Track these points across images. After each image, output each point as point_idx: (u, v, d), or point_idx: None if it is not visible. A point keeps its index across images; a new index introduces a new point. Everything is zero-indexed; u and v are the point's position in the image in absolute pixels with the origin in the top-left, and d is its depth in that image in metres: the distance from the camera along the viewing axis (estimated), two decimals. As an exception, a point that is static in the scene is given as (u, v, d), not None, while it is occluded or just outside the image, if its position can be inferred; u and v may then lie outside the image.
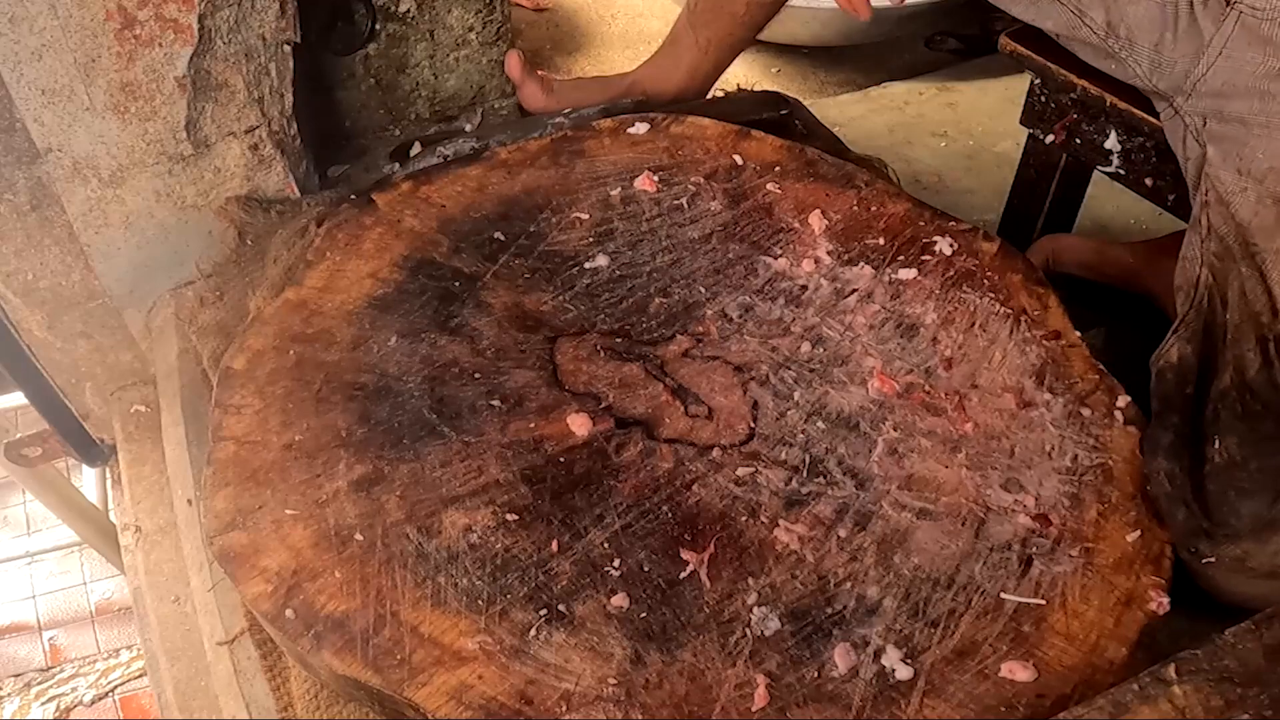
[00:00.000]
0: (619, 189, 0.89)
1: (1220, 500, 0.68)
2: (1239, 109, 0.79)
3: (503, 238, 0.85)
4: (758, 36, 1.10)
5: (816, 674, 0.60)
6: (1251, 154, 0.78)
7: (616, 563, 0.64)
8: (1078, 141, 1.09)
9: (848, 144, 1.03)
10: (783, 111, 1.04)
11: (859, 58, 1.82)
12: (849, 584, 0.64)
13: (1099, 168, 1.09)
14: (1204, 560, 0.66)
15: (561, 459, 0.70)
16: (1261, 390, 0.71)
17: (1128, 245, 1.04)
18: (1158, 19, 0.83)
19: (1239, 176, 0.78)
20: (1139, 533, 0.68)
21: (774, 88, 1.09)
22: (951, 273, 0.84)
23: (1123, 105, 1.00)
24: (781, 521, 0.67)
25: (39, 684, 1.67)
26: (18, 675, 1.68)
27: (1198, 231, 0.80)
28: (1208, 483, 0.69)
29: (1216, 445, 0.70)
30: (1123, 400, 0.76)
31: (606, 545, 0.65)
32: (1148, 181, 1.04)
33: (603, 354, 0.77)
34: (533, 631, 0.60)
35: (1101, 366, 0.78)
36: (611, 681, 0.59)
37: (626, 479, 0.69)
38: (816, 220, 0.87)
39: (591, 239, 0.86)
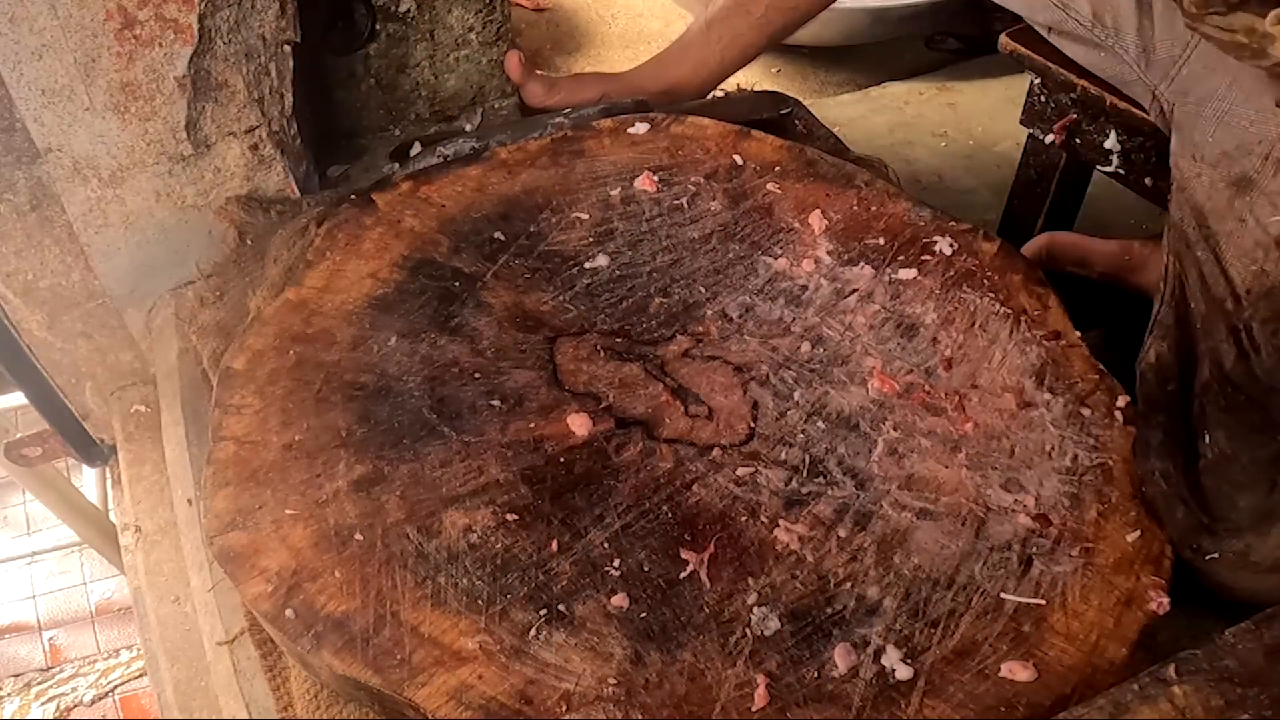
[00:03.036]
0: (619, 189, 0.89)
1: (1217, 495, 0.68)
2: (1204, 91, 0.78)
3: (503, 238, 0.85)
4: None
5: (816, 674, 0.60)
6: (1204, 138, 0.77)
7: (616, 563, 0.64)
8: (1078, 141, 1.09)
9: (848, 144, 1.03)
10: (783, 111, 1.04)
11: (859, 58, 1.82)
12: (849, 584, 0.65)
13: (1099, 168, 1.09)
14: (1207, 557, 0.66)
15: (561, 459, 0.70)
16: (1242, 382, 0.71)
17: (1124, 243, 1.04)
18: (1134, 4, 0.83)
19: (1193, 162, 0.78)
20: (1139, 533, 0.68)
21: (774, 88, 1.09)
22: (951, 273, 0.84)
23: (1122, 105, 1.00)
24: (781, 521, 0.67)
25: (39, 684, 1.67)
26: (18, 675, 1.69)
27: (1167, 223, 0.80)
28: (1203, 478, 0.69)
29: (1207, 440, 0.70)
30: (1122, 400, 0.76)
31: (606, 545, 0.65)
32: (1148, 181, 1.04)
33: (603, 354, 0.77)
34: (533, 631, 0.60)
35: (1101, 366, 0.78)
36: (611, 681, 0.59)
37: (626, 479, 0.69)
38: (816, 220, 0.87)
39: (591, 239, 0.86)
